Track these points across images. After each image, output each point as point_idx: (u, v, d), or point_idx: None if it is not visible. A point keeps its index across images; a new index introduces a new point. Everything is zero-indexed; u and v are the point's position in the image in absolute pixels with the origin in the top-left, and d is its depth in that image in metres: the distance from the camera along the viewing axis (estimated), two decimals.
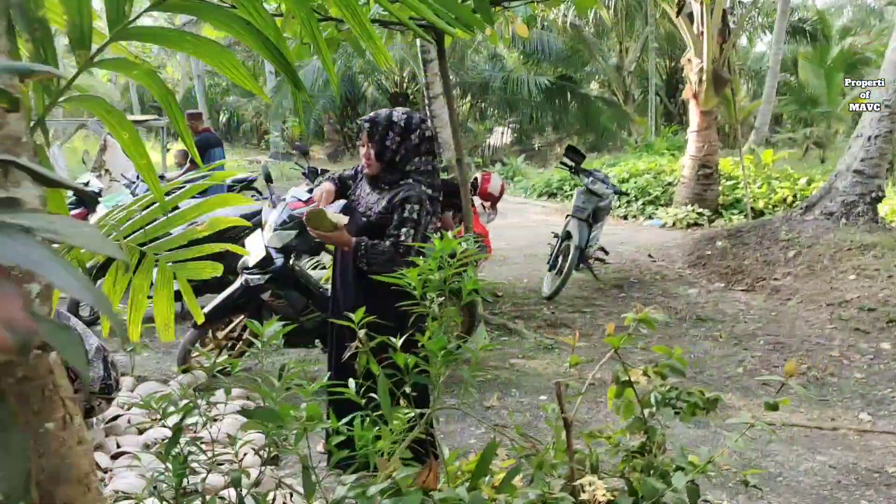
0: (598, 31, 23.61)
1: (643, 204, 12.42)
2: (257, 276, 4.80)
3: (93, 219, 6.26)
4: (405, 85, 25.20)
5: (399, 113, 3.50)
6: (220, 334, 5.03)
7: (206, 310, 4.77)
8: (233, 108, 32.93)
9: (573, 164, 7.51)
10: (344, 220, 3.43)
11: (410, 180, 3.46)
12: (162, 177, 9.67)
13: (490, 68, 23.49)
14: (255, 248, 4.90)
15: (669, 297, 7.40)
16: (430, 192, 3.48)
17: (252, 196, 8.45)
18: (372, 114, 3.54)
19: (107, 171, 12.68)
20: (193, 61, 30.72)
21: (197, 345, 4.86)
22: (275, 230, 4.96)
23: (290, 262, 4.98)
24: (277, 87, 23.66)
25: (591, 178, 7.48)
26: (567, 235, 7.36)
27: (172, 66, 40.76)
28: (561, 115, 23.45)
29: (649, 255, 8.94)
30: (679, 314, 6.82)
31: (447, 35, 6.89)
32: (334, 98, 24.64)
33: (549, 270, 7.48)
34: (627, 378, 1.86)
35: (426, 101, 17.19)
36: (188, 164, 9.21)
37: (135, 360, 5.26)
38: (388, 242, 3.34)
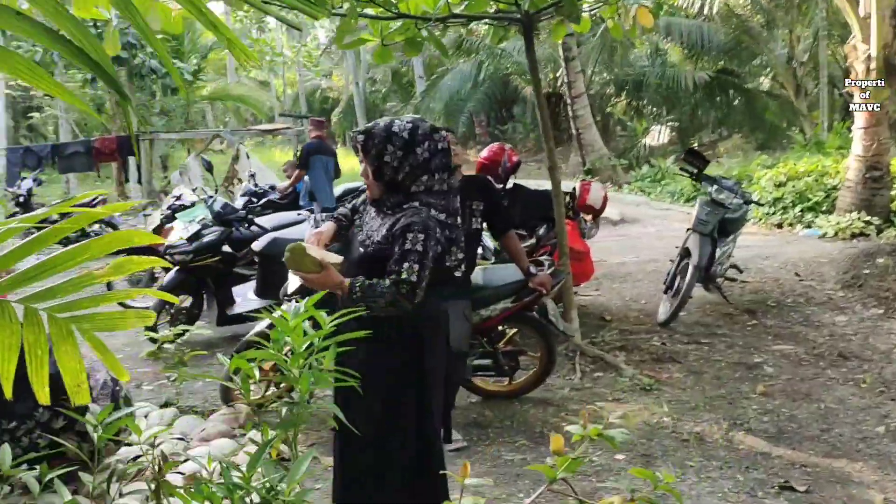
0: (767, 20, 21.71)
1: (801, 211, 10.99)
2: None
3: (172, 236, 6.09)
4: (559, 85, 24.35)
5: (402, 122, 2.91)
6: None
7: (236, 348, 4.39)
8: (393, 114, 33.21)
9: (695, 169, 6.56)
10: (335, 258, 2.87)
11: (417, 203, 2.85)
12: (272, 187, 9.57)
13: (649, 64, 22.16)
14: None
15: (810, 327, 6.29)
16: (441, 216, 2.87)
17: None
18: (370, 124, 2.97)
19: (238, 179, 12.89)
20: (355, 69, 31.45)
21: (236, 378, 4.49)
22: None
23: None
24: (426, 91, 23.61)
25: (715, 187, 6.50)
26: (686, 253, 6.43)
27: (338, 73, 42.16)
28: (724, 112, 21.74)
29: (796, 274, 7.75)
30: (817, 349, 5.74)
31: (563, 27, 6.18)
32: (484, 99, 24.25)
33: (666, 293, 6.58)
34: None
35: (569, 102, 16.39)
36: (296, 173, 9.07)
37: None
38: (387, 281, 2.75)
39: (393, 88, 33.52)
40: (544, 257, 4.74)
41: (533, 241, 5.91)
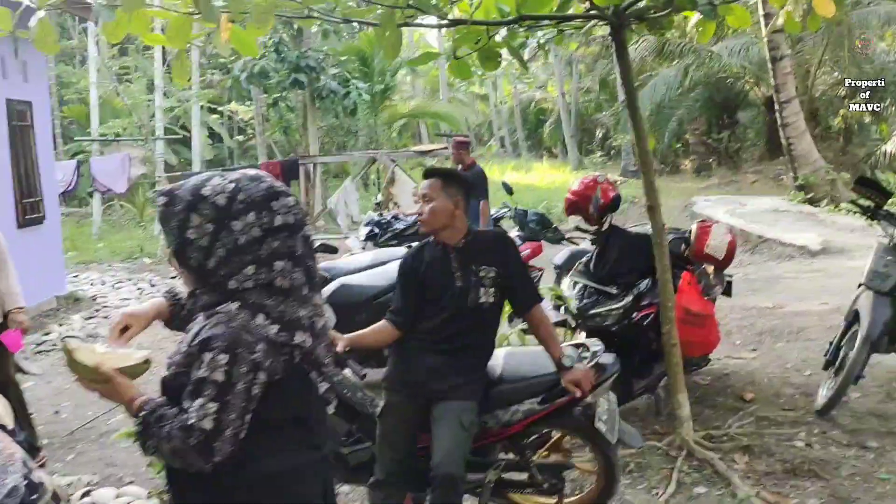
0: None
1: None
2: None
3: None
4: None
5: (218, 181, 1.92)
6: None
7: None
8: (609, 124, 31.47)
9: (871, 204, 4.83)
10: (134, 359, 1.95)
11: (236, 305, 1.85)
12: (396, 217, 8.82)
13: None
14: None
15: None
16: (272, 330, 1.85)
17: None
18: (177, 183, 2.00)
19: (395, 203, 12.33)
20: (561, 78, 30.37)
21: None
22: None
23: None
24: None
25: None
26: (854, 317, 4.74)
27: (553, 83, 41.26)
28: None
29: None
30: None
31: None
32: (697, 104, 22.15)
33: (826, 368, 4.92)
34: None
35: (777, 107, 14.21)
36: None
37: None
38: (177, 423, 1.79)
39: (604, 97, 31.94)
40: (592, 340, 3.46)
41: (630, 298, 4.57)
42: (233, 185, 1.89)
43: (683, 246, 4.80)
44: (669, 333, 4.38)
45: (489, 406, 3.30)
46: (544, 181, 23.97)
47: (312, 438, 2.02)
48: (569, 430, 3.52)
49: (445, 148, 10.67)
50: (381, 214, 8.86)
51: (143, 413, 1.82)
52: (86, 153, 17.02)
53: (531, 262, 6.60)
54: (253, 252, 1.84)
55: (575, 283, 4.74)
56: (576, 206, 4.89)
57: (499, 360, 3.47)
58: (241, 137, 22.16)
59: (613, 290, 4.58)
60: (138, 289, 10.62)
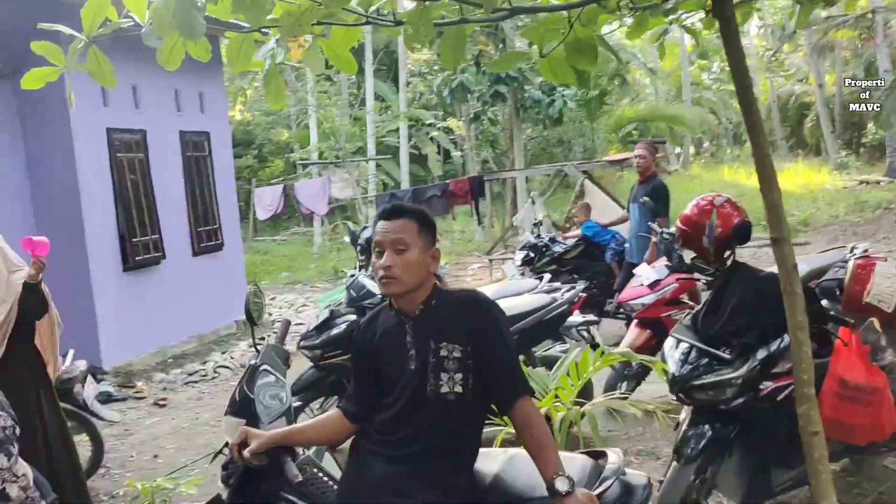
0: None
1: None
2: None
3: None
4: None
5: None
6: None
7: None
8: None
9: None
10: None
11: None
12: (553, 239, 7.85)
13: None
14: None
15: None
16: None
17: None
18: None
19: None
20: (818, 66, 27.03)
21: None
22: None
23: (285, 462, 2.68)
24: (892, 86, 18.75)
25: None
26: None
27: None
28: None
29: None
30: None
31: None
32: None
33: None
34: None
35: None
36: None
37: None
38: None
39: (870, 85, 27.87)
40: (615, 451, 2.33)
41: (753, 364, 3.29)
42: None
43: (838, 291, 3.41)
44: (807, 417, 3.05)
45: None
46: (794, 184, 21.24)
47: None
48: None
49: (643, 157, 9.45)
50: (538, 236, 7.92)
51: None
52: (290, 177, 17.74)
53: (684, 298, 5.35)
54: None
55: (678, 342, 3.53)
56: (687, 236, 3.66)
57: (496, 463, 2.49)
58: (458, 153, 22.04)
59: (726, 354, 3.32)
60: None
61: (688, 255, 3.97)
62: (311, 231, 19.34)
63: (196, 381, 7.58)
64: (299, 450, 2.60)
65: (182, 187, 9.09)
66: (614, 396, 3.69)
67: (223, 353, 8.58)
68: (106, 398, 7.11)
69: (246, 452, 2.36)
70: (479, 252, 14.77)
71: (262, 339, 3.12)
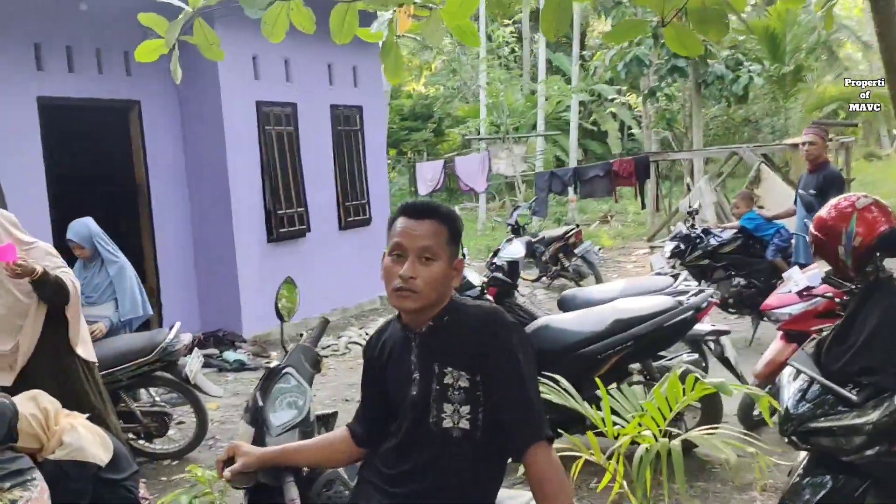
0: None
1: None
2: None
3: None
4: None
5: None
6: None
7: None
8: None
9: None
10: None
11: None
12: (706, 231, 7.14)
13: None
14: None
15: None
16: None
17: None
18: None
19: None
20: None
21: None
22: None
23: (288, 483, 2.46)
24: None
25: None
26: None
27: None
28: None
29: None
30: None
31: None
32: None
33: None
34: None
35: None
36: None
37: None
38: None
39: None
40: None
41: (893, 410, 2.62)
42: None
43: None
44: None
45: None
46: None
47: None
48: None
49: (813, 144, 8.27)
50: (691, 226, 7.18)
51: None
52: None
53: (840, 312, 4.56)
54: None
55: (797, 373, 2.90)
56: (820, 244, 2.99)
57: None
58: (639, 131, 20.97)
59: (853, 395, 2.67)
60: None
61: (824, 267, 3.27)
62: (478, 207, 19.17)
63: (327, 356, 7.59)
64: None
65: (331, 161, 9.13)
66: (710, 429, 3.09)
67: (361, 328, 8.57)
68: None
69: (226, 472, 2.12)
70: (647, 237, 13.96)
71: (301, 335, 2.87)
